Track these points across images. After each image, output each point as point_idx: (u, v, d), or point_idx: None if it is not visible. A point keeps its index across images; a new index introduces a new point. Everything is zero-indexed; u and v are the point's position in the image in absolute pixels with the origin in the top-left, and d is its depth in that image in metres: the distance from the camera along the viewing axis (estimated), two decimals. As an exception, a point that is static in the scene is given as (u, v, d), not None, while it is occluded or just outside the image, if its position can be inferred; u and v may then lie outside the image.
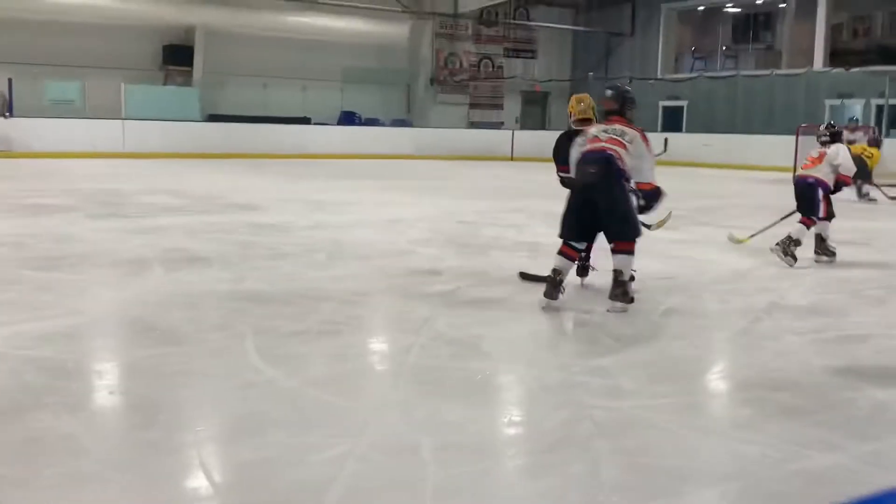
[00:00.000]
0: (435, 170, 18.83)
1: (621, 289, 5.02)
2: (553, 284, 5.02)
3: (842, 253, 7.35)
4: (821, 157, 7.03)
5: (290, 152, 20.89)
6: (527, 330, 4.66)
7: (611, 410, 3.32)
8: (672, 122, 26.57)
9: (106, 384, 3.67)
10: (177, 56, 22.91)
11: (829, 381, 3.78)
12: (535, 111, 29.82)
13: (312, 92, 24.55)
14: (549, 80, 29.20)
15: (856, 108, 22.25)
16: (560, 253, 5.19)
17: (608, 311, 4.94)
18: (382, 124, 25.40)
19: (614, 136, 5.14)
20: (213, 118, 22.65)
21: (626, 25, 28.44)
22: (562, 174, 6.04)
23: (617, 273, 5.05)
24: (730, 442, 3.08)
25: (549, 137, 24.26)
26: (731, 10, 27.81)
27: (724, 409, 3.63)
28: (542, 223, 9.42)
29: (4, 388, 3.42)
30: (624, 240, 5.08)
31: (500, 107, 28.96)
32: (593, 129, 5.36)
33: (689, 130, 25.43)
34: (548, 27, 29.09)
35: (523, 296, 5.39)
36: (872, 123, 19.85)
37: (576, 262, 5.33)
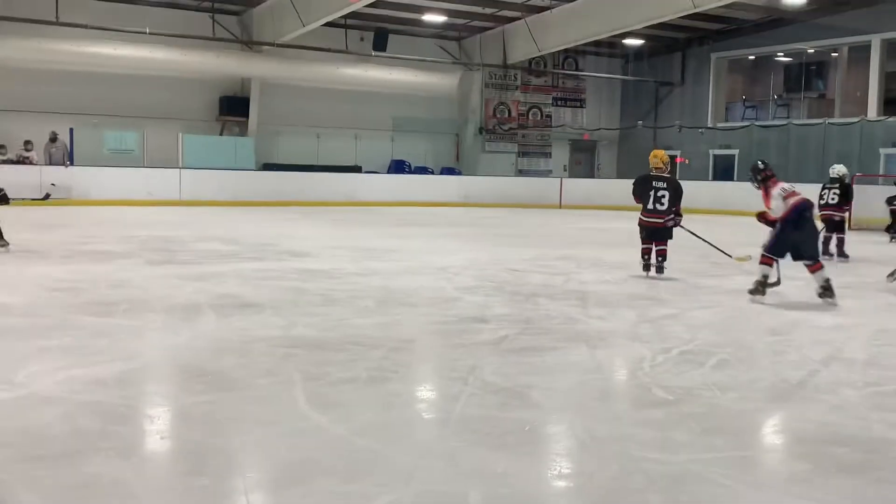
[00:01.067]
0: (483, 217, 18.89)
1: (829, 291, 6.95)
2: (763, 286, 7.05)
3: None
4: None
5: (341, 200, 21.18)
6: (576, 380, 4.61)
7: (663, 464, 3.25)
8: (723, 170, 26.37)
9: (157, 429, 3.71)
10: (233, 107, 23.46)
11: (889, 437, 3.67)
12: (583, 159, 29.86)
13: (364, 141, 24.95)
14: (598, 129, 29.24)
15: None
16: (764, 263, 7.12)
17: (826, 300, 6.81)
18: (431, 172, 25.65)
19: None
20: (268, 167, 23.09)
21: (675, 74, 28.45)
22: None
23: (823, 284, 6.96)
24: (785, 497, 3.00)
25: (597, 185, 24.44)
26: (782, 59, 27.66)
27: (780, 464, 3.54)
28: (590, 270, 9.40)
29: (59, 432, 3.47)
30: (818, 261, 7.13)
31: (548, 155, 29.06)
32: (786, 185, 7.29)
33: (740, 179, 25.19)
34: (596, 77, 29.23)
35: (572, 345, 5.36)
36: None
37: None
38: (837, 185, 11.85)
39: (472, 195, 23.11)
